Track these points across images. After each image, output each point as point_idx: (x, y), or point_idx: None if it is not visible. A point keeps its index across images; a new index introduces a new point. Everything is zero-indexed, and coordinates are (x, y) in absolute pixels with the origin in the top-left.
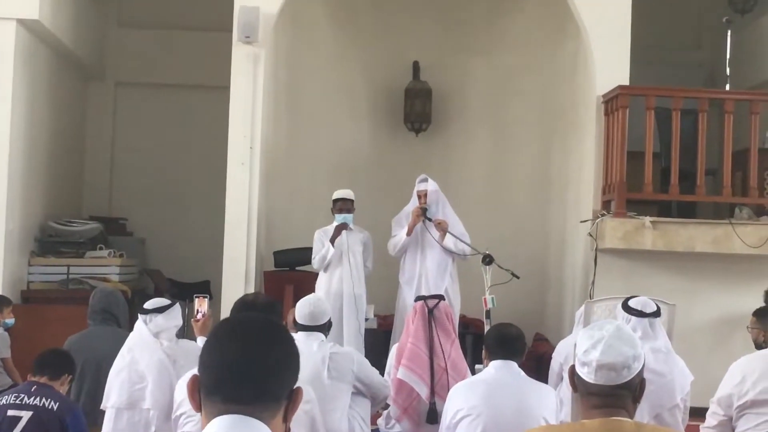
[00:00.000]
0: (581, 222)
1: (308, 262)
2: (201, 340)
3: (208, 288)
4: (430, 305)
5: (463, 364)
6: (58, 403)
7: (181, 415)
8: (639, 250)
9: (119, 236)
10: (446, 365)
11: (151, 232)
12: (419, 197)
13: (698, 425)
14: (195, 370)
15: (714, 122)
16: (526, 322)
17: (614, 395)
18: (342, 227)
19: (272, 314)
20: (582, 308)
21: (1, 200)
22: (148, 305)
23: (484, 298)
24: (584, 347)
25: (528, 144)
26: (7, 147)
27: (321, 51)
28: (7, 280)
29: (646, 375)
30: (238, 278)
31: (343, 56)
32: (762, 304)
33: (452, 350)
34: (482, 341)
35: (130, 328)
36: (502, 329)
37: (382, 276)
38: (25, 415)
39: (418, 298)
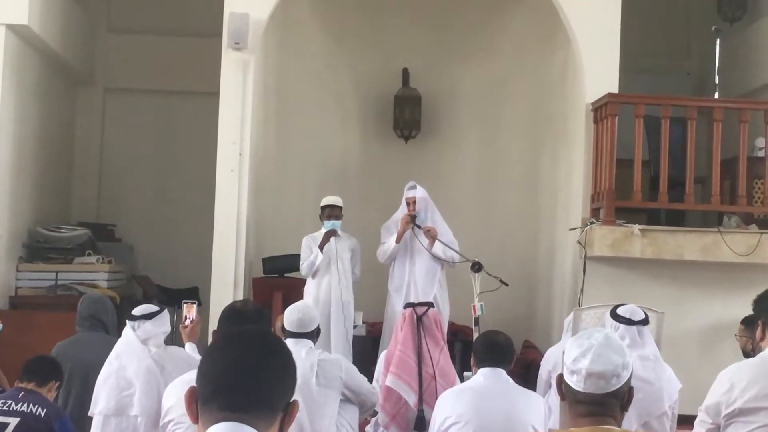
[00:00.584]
0: (570, 230)
1: (297, 268)
2: (189, 347)
3: (197, 294)
4: (419, 312)
5: (452, 372)
6: (45, 410)
7: (169, 422)
8: (628, 257)
9: (108, 242)
10: (435, 372)
11: (139, 238)
12: (408, 204)
13: None
14: (185, 378)
15: (703, 130)
16: (514, 330)
17: (603, 403)
18: (331, 234)
19: (261, 321)
20: (571, 316)
21: None
22: (136, 312)
23: (473, 306)
24: (573, 356)
25: (517, 151)
26: None
27: (310, 58)
28: None
29: (634, 383)
30: (226, 285)
31: (332, 63)
32: (750, 312)
33: (441, 357)
34: (471, 348)
35: (119, 335)
36: (491, 336)
37: (371, 283)
38: (13, 421)
39: (407, 305)
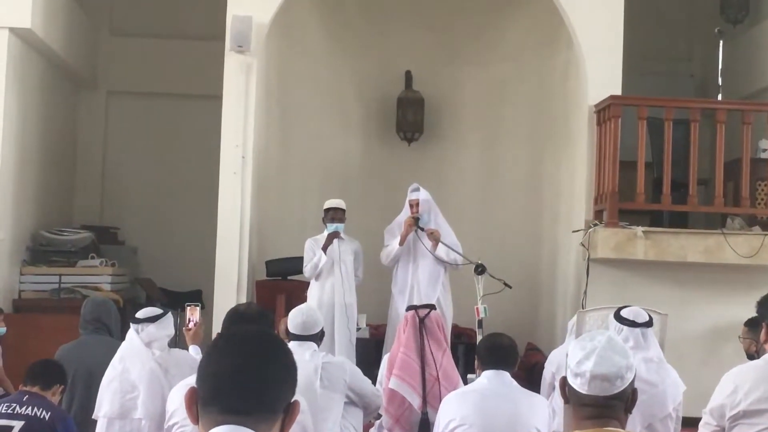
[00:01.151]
0: (573, 232)
1: (300, 271)
2: (193, 349)
3: (200, 297)
4: (421, 315)
5: (455, 374)
6: (49, 413)
7: (173, 425)
8: (631, 260)
9: (111, 245)
10: (438, 375)
11: (142, 241)
12: (411, 207)
13: None
14: (189, 381)
15: (706, 132)
16: (518, 332)
17: (606, 406)
18: (334, 235)
19: (264, 324)
20: (574, 318)
21: None
22: (139, 315)
23: (477, 308)
24: (576, 358)
25: (520, 154)
26: None
27: (313, 60)
28: None
29: (638, 385)
30: (229, 288)
31: (335, 65)
32: (754, 314)
33: (444, 360)
34: (474, 351)
35: (122, 338)
36: (495, 339)
37: (375, 285)
38: (17, 424)
39: (409, 308)
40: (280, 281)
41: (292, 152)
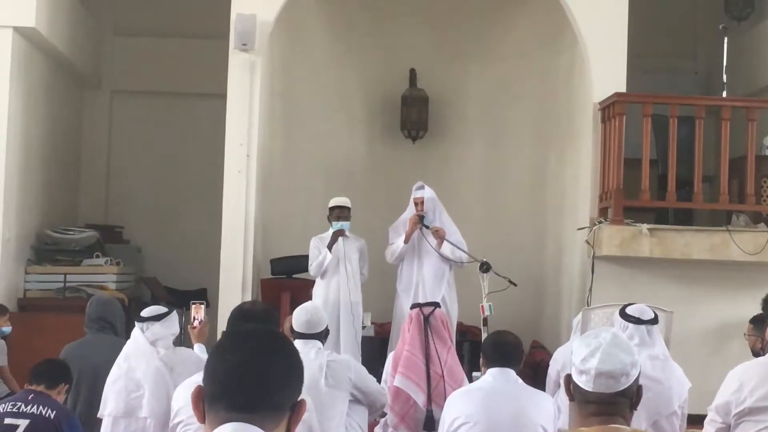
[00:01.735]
0: (578, 229)
1: (305, 269)
2: (198, 348)
3: (205, 296)
4: (426, 313)
5: (460, 372)
6: (55, 412)
7: (178, 423)
8: (636, 257)
9: (115, 244)
10: (443, 372)
11: (147, 240)
12: (416, 205)
13: None
14: (194, 379)
15: (711, 129)
16: (523, 330)
17: (612, 403)
18: (339, 233)
19: (269, 322)
20: (579, 316)
21: None
22: (144, 313)
23: (482, 306)
24: (581, 356)
25: (525, 151)
26: (3, 155)
27: (317, 58)
28: (3, 289)
29: (643, 382)
30: (234, 286)
31: (339, 64)
32: (759, 311)
33: (449, 357)
34: (479, 349)
35: (127, 337)
36: (500, 337)
37: (379, 284)
38: (22, 423)
39: (413, 306)
40: (285, 279)
41: (296, 150)
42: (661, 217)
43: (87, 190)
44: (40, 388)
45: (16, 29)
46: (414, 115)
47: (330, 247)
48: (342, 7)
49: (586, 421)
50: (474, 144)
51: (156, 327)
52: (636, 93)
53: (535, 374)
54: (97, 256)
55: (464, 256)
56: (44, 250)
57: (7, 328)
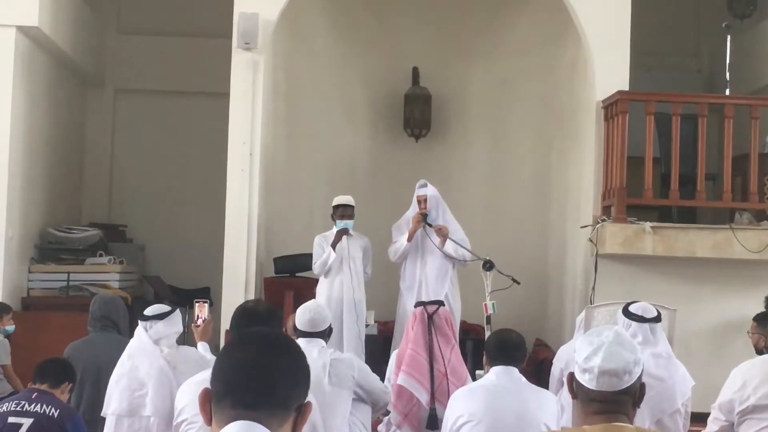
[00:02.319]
0: (581, 227)
1: (308, 268)
2: (201, 346)
3: (208, 294)
4: (430, 311)
5: (464, 370)
6: (58, 410)
7: (182, 422)
8: (639, 255)
9: (119, 243)
10: (446, 371)
11: (150, 238)
12: (419, 203)
13: (699, 430)
14: (198, 377)
15: (714, 127)
16: (526, 328)
17: (615, 401)
18: (343, 232)
19: (273, 320)
20: (582, 314)
21: (1, 207)
22: (148, 312)
23: (485, 304)
24: (584, 354)
25: (528, 150)
26: (6, 154)
27: (320, 57)
28: (7, 288)
29: (647, 380)
30: (238, 285)
31: (342, 62)
32: (762, 309)
33: (452, 356)
34: (483, 347)
35: (131, 335)
36: (503, 335)
37: (383, 282)
38: (26, 422)
39: (417, 304)
40: (288, 278)
41: (299, 149)
42: (664, 215)
43: (90, 189)
44: (44, 386)
45: (20, 28)
46: (417, 114)
47: (334, 245)
48: (345, 6)
49: (589, 419)
50: (477, 142)
51: (159, 325)
52: (639, 91)
53: (538, 372)
54: (101, 255)
55: (467, 255)
56: (47, 249)
57: (11, 327)
